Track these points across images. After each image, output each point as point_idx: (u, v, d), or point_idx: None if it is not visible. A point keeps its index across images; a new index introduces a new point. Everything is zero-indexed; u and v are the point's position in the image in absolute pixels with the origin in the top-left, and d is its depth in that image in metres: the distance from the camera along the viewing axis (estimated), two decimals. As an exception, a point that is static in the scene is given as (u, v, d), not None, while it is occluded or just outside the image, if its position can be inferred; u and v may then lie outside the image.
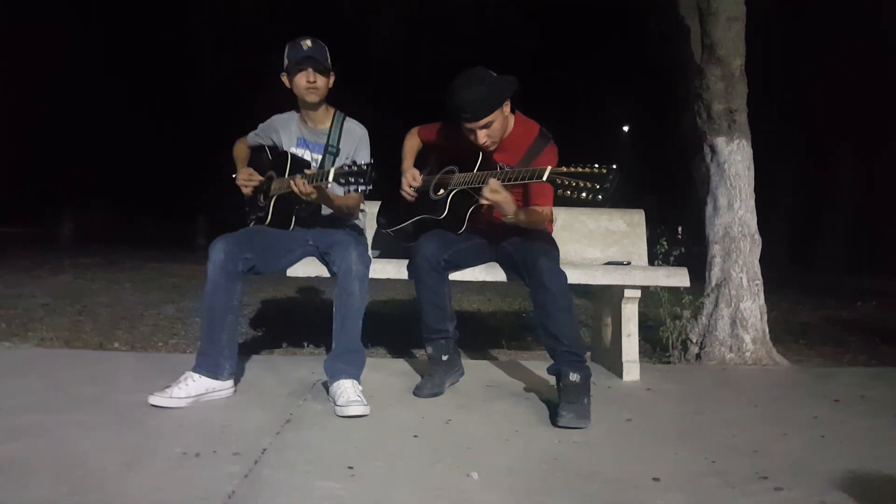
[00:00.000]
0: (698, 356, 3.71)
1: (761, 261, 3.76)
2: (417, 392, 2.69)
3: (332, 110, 2.96)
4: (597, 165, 2.14)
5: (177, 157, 24.13)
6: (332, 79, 2.86)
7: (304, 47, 2.75)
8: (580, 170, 2.17)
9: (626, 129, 24.43)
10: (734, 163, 3.68)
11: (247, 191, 2.98)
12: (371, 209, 3.34)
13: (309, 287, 6.34)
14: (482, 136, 2.62)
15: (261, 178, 2.96)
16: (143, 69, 21.44)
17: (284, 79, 2.85)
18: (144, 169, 25.50)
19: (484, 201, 2.46)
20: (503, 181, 2.45)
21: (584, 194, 2.13)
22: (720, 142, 3.70)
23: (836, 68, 12.48)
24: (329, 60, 2.82)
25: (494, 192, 2.42)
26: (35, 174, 25.64)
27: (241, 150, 3.15)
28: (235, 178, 3.00)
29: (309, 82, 2.77)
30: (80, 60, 21.12)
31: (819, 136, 14.13)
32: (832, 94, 12.89)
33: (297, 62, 2.75)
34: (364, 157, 2.86)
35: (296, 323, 4.68)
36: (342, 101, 3.02)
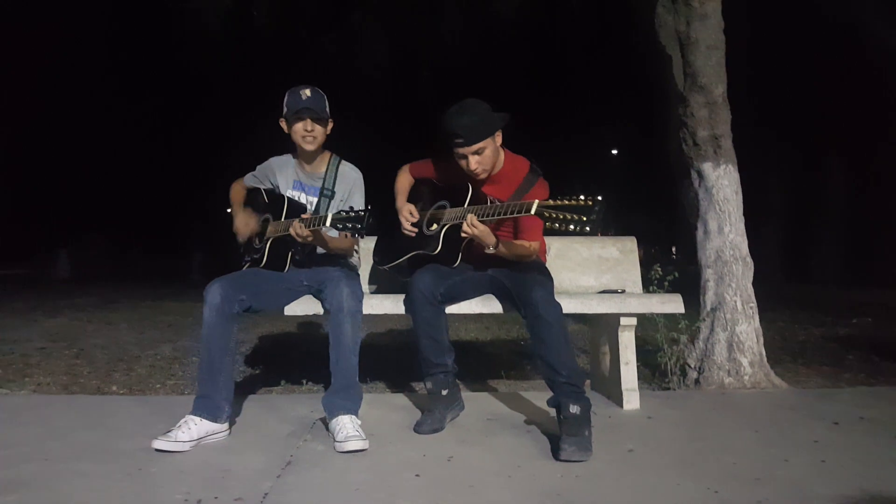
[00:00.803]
0: (697, 381, 3.71)
1: (756, 277, 3.78)
2: (418, 428, 2.69)
3: (328, 154, 3.02)
4: (582, 197, 2.21)
5: (172, 192, 24.21)
6: (329, 126, 2.94)
7: (303, 97, 2.82)
8: (566, 202, 2.24)
9: (614, 152, 24.62)
10: (722, 187, 3.72)
11: (241, 238, 3.03)
12: (367, 245, 3.37)
13: (306, 322, 6.33)
14: (474, 163, 2.69)
15: (256, 226, 3.02)
16: (139, 104, 21.59)
17: (283, 124, 2.92)
18: (139, 204, 25.57)
19: (463, 234, 2.56)
20: (493, 215, 2.52)
21: (571, 226, 2.20)
22: (707, 167, 3.75)
23: (826, 81, 12.64)
24: (327, 109, 2.90)
25: (472, 227, 2.53)
26: (28, 213, 25.67)
27: (237, 192, 3.20)
28: (233, 224, 3.05)
29: (307, 131, 2.85)
30: (74, 99, 21.25)
31: (810, 149, 14.29)
32: (823, 105, 13.06)
33: (296, 112, 2.82)
34: (359, 202, 2.94)
35: (294, 359, 4.67)
36: (338, 135, 3.08)
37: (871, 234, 14.25)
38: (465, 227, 2.53)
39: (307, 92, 2.84)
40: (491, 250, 2.62)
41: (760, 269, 3.83)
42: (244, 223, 3.03)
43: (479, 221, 2.55)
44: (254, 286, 2.75)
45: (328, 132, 2.95)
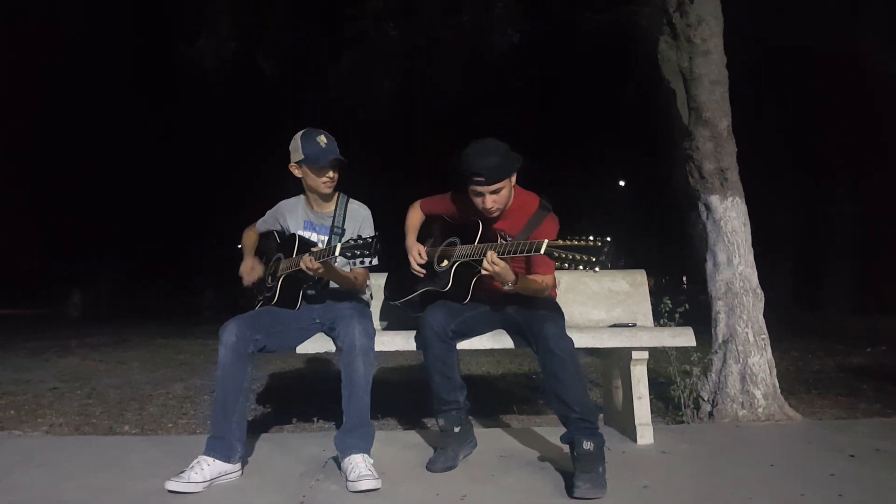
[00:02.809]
0: (711, 414, 3.68)
1: (767, 306, 3.77)
2: (431, 466, 2.68)
3: (336, 193, 3.06)
4: (591, 238, 2.21)
5: (183, 230, 24.42)
6: None
7: (323, 145, 2.85)
8: (576, 242, 2.23)
9: (622, 183, 24.73)
10: (729, 219, 3.74)
11: (246, 281, 3.09)
12: (378, 281, 3.40)
13: (317, 359, 6.33)
14: (490, 202, 2.71)
15: (261, 272, 3.09)
16: (152, 143, 21.89)
17: (294, 170, 2.95)
18: (151, 243, 25.77)
19: (484, 272, 2.54)
20: (503, 253, 2.52)
21: (581, 266, 2.19)
22: (714, 200, 3.78)
23: (833, 108, 12.71)
24: (337, 147, 2.93)
25: (493, 264, 2.51)
26: (40, 252, 25.92)
27: (249, 237, 3.25)
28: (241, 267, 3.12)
29: (329, 178, 2.91)
30: (87, 136, 21.57)
31: (819, 176, 14.30)
32: (830, 132, 13.11)
33: (321, 165, 2.85)
34: (368, 232, 2.94)
35: (305, 397, 4.67)
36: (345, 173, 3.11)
37: (883, 261, 14.16)
38: (485, 264, 2.51)
39: (324, 139, 2.86)
40: (509, 287, 2.62)
41: (772, 299, 3.81)
42: (249, 268, 3.11)
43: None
44: (268, 326, 2.77)
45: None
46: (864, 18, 11.19)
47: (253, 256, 3.14)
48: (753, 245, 3.80)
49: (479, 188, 2.68)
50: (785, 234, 14.35)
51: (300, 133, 2.91)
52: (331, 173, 2.91)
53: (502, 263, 2.52)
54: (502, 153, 2.69)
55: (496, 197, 2.71)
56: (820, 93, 12.68)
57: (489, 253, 2.52)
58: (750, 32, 9.46)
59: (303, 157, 2.87)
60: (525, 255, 2.45)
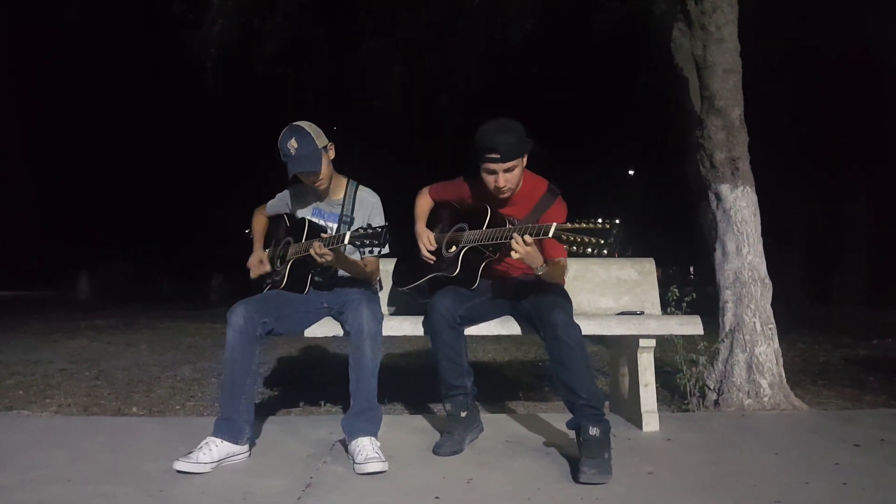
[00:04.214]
0: (716, 402, 3.69)
1: (776, 298, 3.77)
2: (437, 450, 2.69)
3: (345, 180, 3.04)
4: (600, 221, 2.21)
5: (191, 215, 24.50)
6: (331, 152, 2.91)
7: (291, 151, 2.76)
8: (584, 226, 2.23)
9: (631, 172, 24.64)
10: (740, 209, 3.73)
11: (253, 275, 3.08)
12: (386, 266, 3.40)
13: (325, 344, 6.35)
14: (503, 180, 2.69)
15: (268, 270, 3.05)
16: (160, 128, 21.92)
17: None
18: (159, 227, 25.88)
19: (515, 255, 2.47)
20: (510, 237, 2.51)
21: (589, 249, 2.20)
22: (725, 189, 3.76)
23: (849, 100, 12.59)
24: (316, 144, 2.81)
25: (524, 245, 2.44)
26: (49, 235, 26.09)
27: (259, 222, 3.24)
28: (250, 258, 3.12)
29: (310, 182, 2.89)
30: (95, 123, 21.64)
31: (831, 169, 14.20)
32: (844, 125, 13.01)
33: (290, 175, 2.81)
34: (378, 221, 2.93)
35: (312, 381, 4.70)
36: (356, 159, 3.08)
37: (893, 255, 14.08)
38: (515, 246, 2.44)
39: (294, 145, 2.75)
40: (540, 271, 2.61)
41: (781, 290, 3.80)
42: (257, 262, 3.08)
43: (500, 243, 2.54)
44: (276, 309, 2.78)
45: (332, 157, 2.91)
46: (883, 15, 11.07)
47: (262, 248, 3.13)
48: (763, 236, 3.79)
49: (493, 165, 2.66)
50: (795, 226, 14.29)
51: (283, 131, 2.83)
52: (310, 179, 2.86)
53: (532, 247, 2.47)
54: (517, 131, 2.68)
55: (509, 176, 2.69)
56: (836, 87, 12.56)
57: (516, 235, 2.46)
58: (768, 25, 9.38)
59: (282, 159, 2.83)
60: (534, 238, 2.44)
